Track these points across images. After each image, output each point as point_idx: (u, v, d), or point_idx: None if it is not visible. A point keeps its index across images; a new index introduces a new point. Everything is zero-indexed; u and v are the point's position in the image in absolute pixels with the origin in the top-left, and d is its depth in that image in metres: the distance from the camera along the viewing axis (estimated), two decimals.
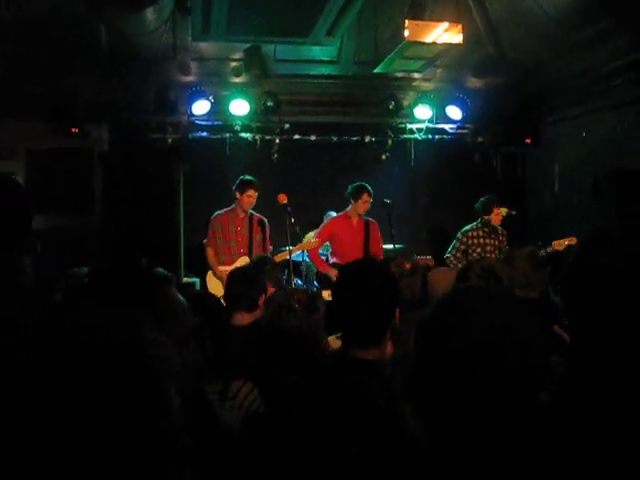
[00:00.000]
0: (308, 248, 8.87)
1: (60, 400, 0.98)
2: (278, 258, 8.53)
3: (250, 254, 8.56)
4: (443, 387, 1.55)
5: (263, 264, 5.40)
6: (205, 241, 8.77)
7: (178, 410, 1.11)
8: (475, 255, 8.87)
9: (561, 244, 8.36)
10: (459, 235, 9.09)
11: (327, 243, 9.17)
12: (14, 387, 0.99)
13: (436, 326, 1.59)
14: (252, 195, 8.48)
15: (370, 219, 9.02)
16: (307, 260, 9.39)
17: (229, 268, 8.19)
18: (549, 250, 8.32)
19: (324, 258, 9.18)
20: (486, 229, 8.99)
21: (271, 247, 8.80)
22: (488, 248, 8.95)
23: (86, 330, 1.09)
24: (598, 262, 1.93)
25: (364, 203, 8.80)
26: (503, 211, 8.96)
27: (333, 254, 9.08)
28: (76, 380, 0.99)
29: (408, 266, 4.19)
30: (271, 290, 5.06)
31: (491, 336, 1.51)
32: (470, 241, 9.00)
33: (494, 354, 1.50)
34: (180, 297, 2.69)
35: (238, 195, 8.53)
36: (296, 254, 8.65)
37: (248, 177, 8.59)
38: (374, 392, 2.57)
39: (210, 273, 8.58)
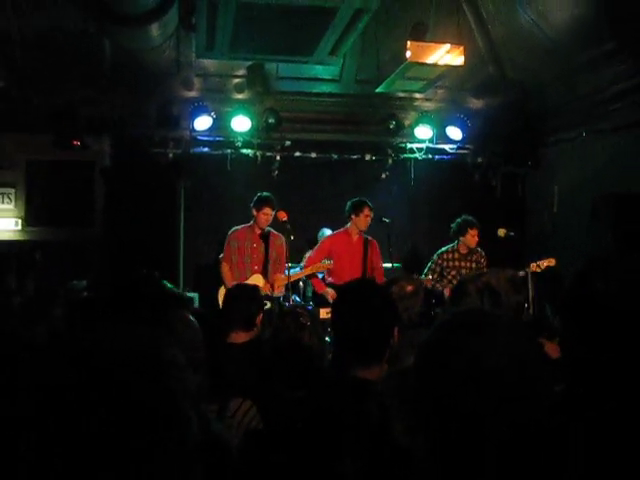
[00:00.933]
0: (322, 269, 8.78)
1: (62, 401, 0.99)
2: (293, 277, 8.47)
3: (265, 272, 8.50)
4: (444, 407, 1.57)
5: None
6: (221, 256, 8.71)
7: (195, 423, 1.12)
8: (450, 277, 8.84)
9: (540, 266, 8.28)
10: (434, 257, 9.03)
11: None
12: (17, 388, 1.01)
13: (437, 347, 1.61)
14: (268, 213, 8.36)
15: (369, 237, 8.86)
16: (305, 278, 9.37)
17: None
18: (527, 271, 8.22)
19: (320, 277, 9.09)
20: (462, 252, 8.96)
21: (287, 264, 8.57)
22: (463, 271, 8.82)
23: (93, 337, 1.11)
24: (595, 288, 1.97)
25: (365, 217, 8.61)
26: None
27: (330, 273, 8.88)
28: (78, 382, 1.01)
29: (409, 288, 4.17)
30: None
31: (493, 357, 1.53)
32: (445, 263, 8.93)
33: (495, 375, 1.53)
34: (194, 321, 2.72)
35: (255, 212, 8.43)
36: (293, 270, 8.61)
37: (265, 194, 8.48)
38: (373, 411, 2.59)
39: (222, 288, 8.49)
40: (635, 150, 8.72)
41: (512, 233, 9.01)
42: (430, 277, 8.88)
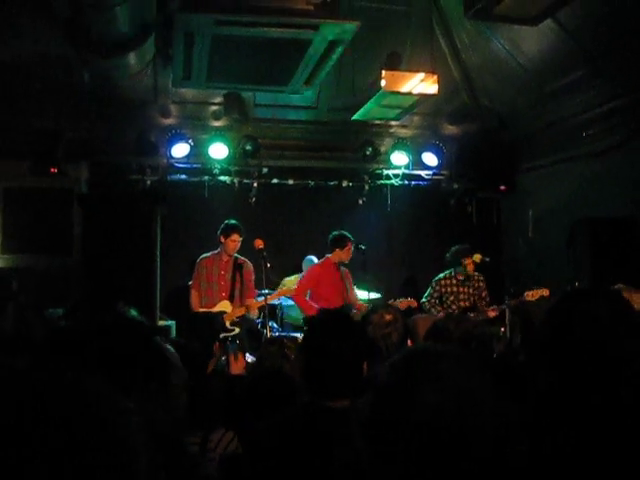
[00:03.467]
0: (288, 295, 8.94)
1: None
2: (260, 303, 8.55)
3: (232, 298, 8.57)
4: (401, 443, 1.61)
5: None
6: (190, 283, 8.81)
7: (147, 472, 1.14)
8: (449, 302, 9.03)
9: (534, 295, 8.35)
10: (433, 283, 9.24)
11: None
12: None
13: (390, 394, 1.65)
14: (236, 240, 8.52)
15: (343, 267, 9.04)
16: (283, 303, 9.42)
17: (210, 311, 8.28)
18: (521, 300, 8.35)
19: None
20: (460, 277, 9.09)
21: (257, 291, 8.76)
22: (461, 296, 9.06)
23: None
24: (559, 323, 2.03)
25: (348, 250, 8.87)
26: (477, 258, 9.03)
27: (315, 299, 8.94)
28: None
29: (388, 317, 4.24)
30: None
31: (448, 399, 1.57)
32: (443, 289, 9.12)
33: (453, 417, 1.56)
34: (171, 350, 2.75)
35: (223, 239, 8.56)
36: (260, 298, 8.68)
37: (233, 221, 8.63)
38: (342, 438, 2.64)
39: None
40: (609, 175, 8.85)
41: (487, 259, 9.10)
42: (427, 302, 9.16)
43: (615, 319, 2.02)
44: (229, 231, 8.54)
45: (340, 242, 8.89)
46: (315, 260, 10.11)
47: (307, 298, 9.03)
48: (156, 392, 2.50)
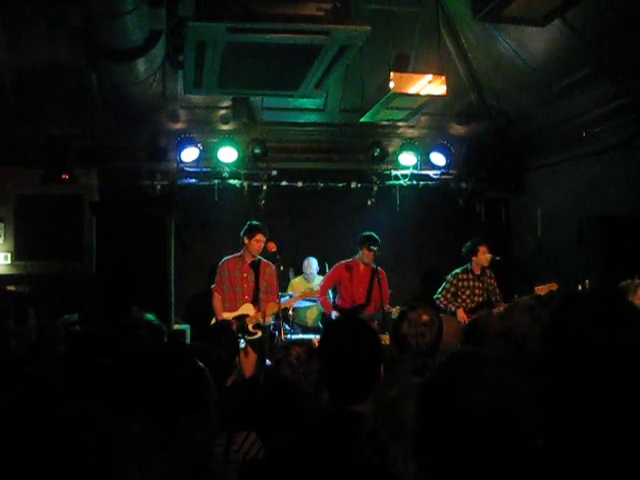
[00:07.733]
0: (311, 296, 9.15)
1: None
2: (284, 305, 8.60)
3: (255, 301, 8.61)
4: (444, 448, 1.66)
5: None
6: (213, 287, 8.82)
7: None
8: (464, 297, 9.13)
9: (543, 289, 8.40)
10: (449, 277, 9.32)
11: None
12: None
13: (433, 392, 1.70)
14: (261, 240, 8.51)
15: (378, 267, 9.04)
16: (295, 306, 9.48)
17: (232, 315, 8.26)
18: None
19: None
20: (476, 273, 9.17)
21: (280, 293, 8.71)
22: (477, 291, 9.16)
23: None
24: (574, 324, 2.08)
25: (370, 252, 8.97)
26: (488, 257, 9.09)
27: (339, 297, 9.36)
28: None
29: (425, 317, 4.28)
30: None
31: (488, 402, 1.62)
32: (460, 283, 9.20)
33: (492, 418, 1.61)
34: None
35: (246, 240, 8.56)
36: (283, 300, 8.73)
37: (256, 222, 8.66)
38: (362, 441, 2.68)
39: (214, 320, 8.54)
40: (617, 173, 8.86)
41: (498, 257, 9.16)
42: (442, 297, 9.25)
43: (618, 321, 2.06)
44: (253, 232, 8.54)
45: (366, 242, 9.03)
46: (314, 262, 10.22)
47: (331, 296, 9.37)
48: (198, 422, 2.56)
